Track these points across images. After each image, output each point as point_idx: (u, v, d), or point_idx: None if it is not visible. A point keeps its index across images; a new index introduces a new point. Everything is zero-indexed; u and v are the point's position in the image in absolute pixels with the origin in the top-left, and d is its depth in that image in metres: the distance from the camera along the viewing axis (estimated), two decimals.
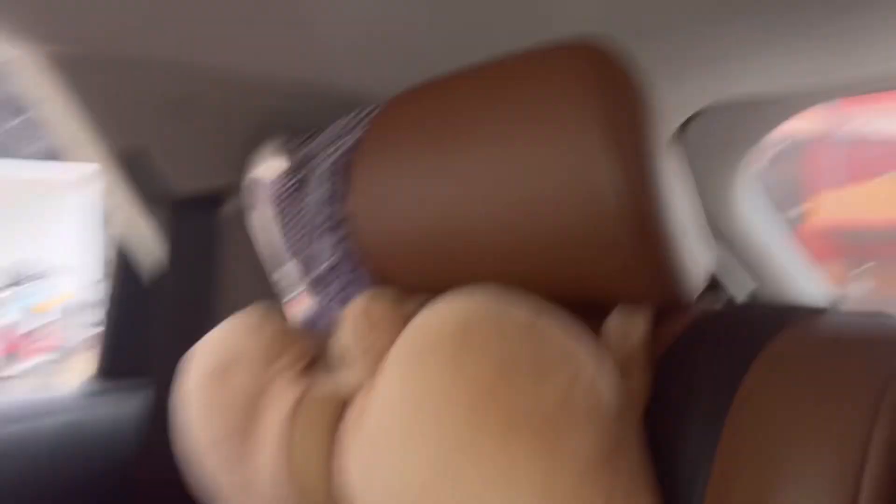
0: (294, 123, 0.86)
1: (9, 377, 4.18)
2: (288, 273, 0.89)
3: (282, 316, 0.59)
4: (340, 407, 0.51)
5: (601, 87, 0.45)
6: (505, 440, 0.36)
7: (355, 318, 0.47)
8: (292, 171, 0.78)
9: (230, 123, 0.82)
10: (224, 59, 0.76)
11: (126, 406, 0.90)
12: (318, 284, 0.77)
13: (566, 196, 0.44)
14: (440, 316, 0.42)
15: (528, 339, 0.40)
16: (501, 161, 0.47)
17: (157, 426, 0.82)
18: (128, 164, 0.78)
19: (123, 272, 0.90)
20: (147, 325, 0.89)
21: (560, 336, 0.42)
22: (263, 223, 0.88)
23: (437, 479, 0.37)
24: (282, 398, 0.54)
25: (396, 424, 0.40)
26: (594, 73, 0.45)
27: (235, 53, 0.76)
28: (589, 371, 0.41)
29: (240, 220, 0.88)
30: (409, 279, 0.55)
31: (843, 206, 3.98)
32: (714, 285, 1.14)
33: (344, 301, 0.75)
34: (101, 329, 0.93)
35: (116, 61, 0.73)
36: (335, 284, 0.78)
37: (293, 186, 0.77)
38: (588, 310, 0.49)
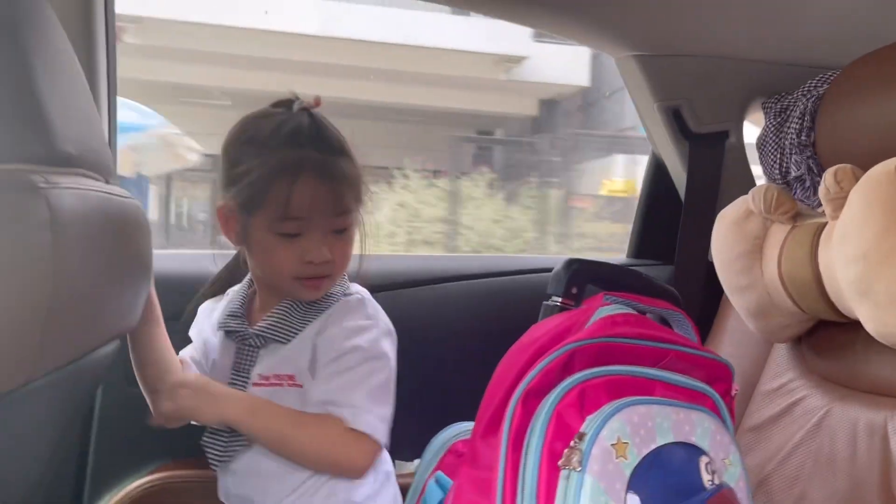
0: (775, 87, 1.29)
1: None
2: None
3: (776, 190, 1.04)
4: (817, 233, 0.95)
5: None
6: None
7: (826, 183, 0.91)
8: (776, 115, 1.22)
9: (732, 87, 1.30)
10: (735, 49, 1.24)
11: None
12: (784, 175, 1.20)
13: None
14: (883, 166, 0.83)
15: None
16: None
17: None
18: (668, 114, 1.32)
19: (657, 182, 1.45)
20: (670, 220, 1.41)
21: None
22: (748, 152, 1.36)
23: (881, 244, 0.80)
24: (779, 232, 1.01)
25: (853, 226, 0.84)
26: None
27: (742, 42, 1.23)
28: None
29: (738, 150, 1.35)
30: None
31: None
32: None
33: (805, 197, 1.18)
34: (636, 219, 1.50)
35: (675, 56, 1.26)
36: (798, 188, 1.20)
37: (776, 124, 1.21)
38: None
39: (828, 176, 0.90)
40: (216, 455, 0.91)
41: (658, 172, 1.45)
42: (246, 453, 0.91)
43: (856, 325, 0.91)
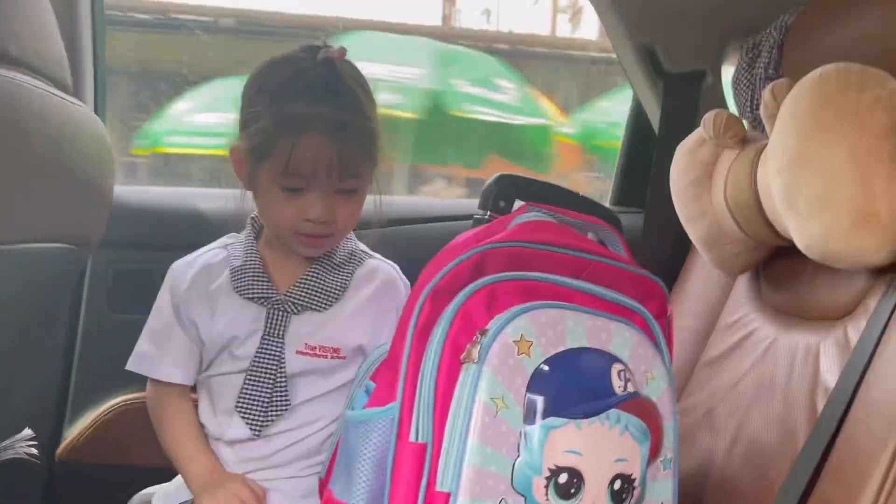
0: (754, 27, 1.27)
1: None
2: None
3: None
4: (758, 153, 0.94)
5: None
6: (839, 120, 0.77)
7: (764, 99, 0.90)
8: (748, 50, 1.20)
9: (706, 24, 1.29)
10: None
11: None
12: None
13: None
14: (809, 76, 0.83)
15: (858, 71, 0.79)
16: None
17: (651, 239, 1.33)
18: (641, 52, 1.31)
19: (637, 125, 1.45)
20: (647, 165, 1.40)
21: (878, 72, 0.79)
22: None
23: (802, 150, 0.80)
24: (728, 157, 1.00)
25: (778, 136, 0.83)
26: None
27: None
28: (894, 85, 0.77)
29: (715, 91, 1.34)
30: None
31: None
32: None
33: None
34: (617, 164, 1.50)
35: None
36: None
37: (748, 60, 1.20)
38: None
39: (766, 92, 0.89)
40: (255, 420, 0.91)
41: (638, 115, 1.44)
42: (284, 419, 0.92)
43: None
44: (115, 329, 1.27)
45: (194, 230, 1.21)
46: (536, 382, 0.72)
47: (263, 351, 0.92)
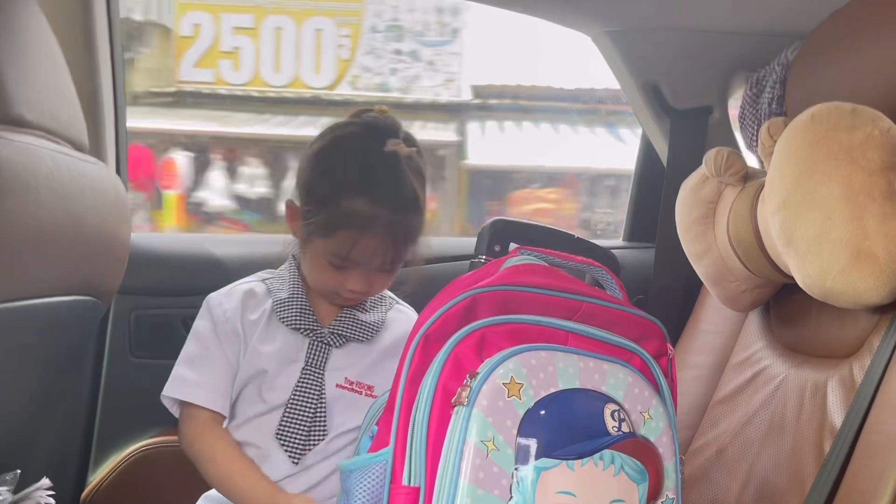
0: (758, 60, 1.28)
1: None
2: None
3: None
4: (758, 191, 0.94)
5: None
6: (830, 159, 0.77)
7: (761, 137, 0.90)
8: (752, 85, 1.21)
9: (710, 61, 1.29)
10: (710, 21, 1.24)
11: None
12: None
13: None
14: (801, 115, 0.83)
15: (849, 111, 0.79)
16: None
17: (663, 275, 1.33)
18: (647, 90, 1.32)
19: (647, 161, 1.45)
20: (658, 200, 1.40)
21: (869, 111, 0.79)
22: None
23: (796, 189, 0.80)
24: (730, 194, 1.00)
25: (774, 175, 0.83)
26: None
27: (716, 14, 1.23)
28: (885, 124, 0.77)
29: (723, 126, 1.34)
30: None
31: None
32: None
33: None
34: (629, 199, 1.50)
35: (649, 31, 1.27)
36: None
37: (752, 95, 1.20)
38: None
39: (762, 130, 0.90)
40: (295, 448, 0.93)
41: (648, 151, 1.45)
42: (320, 449, 0.94)
43: None
44: (138, 374, 1.30)
45: (211, 275, 1.25)
46: (527, 424, 0.72)
47: (305, 380, 0.95)
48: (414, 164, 0.93)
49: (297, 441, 0.94)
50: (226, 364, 0.95)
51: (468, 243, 1.18)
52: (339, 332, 0.96)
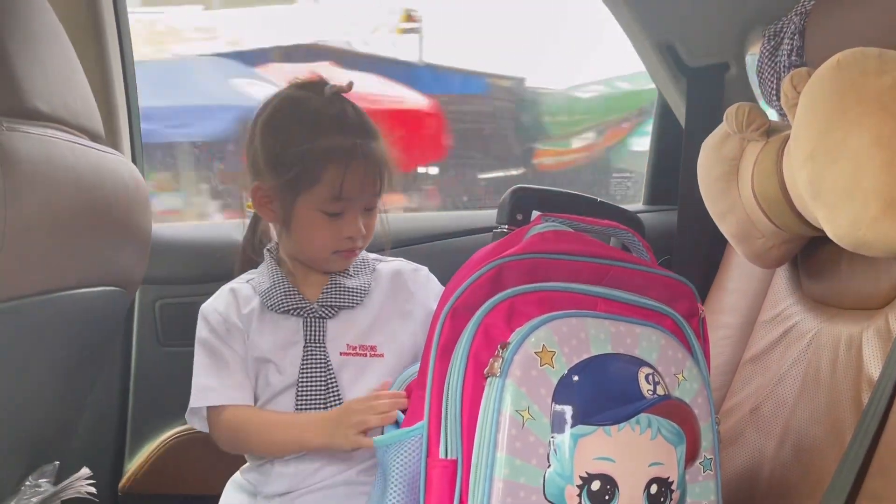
0: (775, 14, 1.25)
1: None
2: None
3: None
4: (783, 144, 0.93)
5: None
6: (859, 105, 0.75)
7: (784, 89, 0.88)
8: (770, 38, 1.18)
9: (725, 15, 1.26)
10: None
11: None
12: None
13: None
14: (827, 63, 0.81)
15: (876, 55, 0.77)
16: None
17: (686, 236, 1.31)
18: (661, 50, 1.29)
19: (665, 123, 1.43)
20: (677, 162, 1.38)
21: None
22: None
23: (825, 139, 0.78)
24: (753, 150, 0.98)
25: (801, 127, 0.81)
26: None
27: None
28: None
29: (740, 82, 1.31)
30: None
31: None
32: None
33: None
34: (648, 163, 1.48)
35: None
36: None
37: (770, 48, 1.17)
38: None
39: (785, 82, 0.88)
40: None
41: (664, 112, 1.43)
42: None
43: None
44: (166, 362, 1.31)
45: (233, 260, 1.25)
46: (562, 392, 0.72)
47: (309, 356, 0.96)
48: (354, 104, 0.96)
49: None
50: (238, 359, 0.97)
51: (489, 215, 1.18)
52: (329, 303, 0.97)
